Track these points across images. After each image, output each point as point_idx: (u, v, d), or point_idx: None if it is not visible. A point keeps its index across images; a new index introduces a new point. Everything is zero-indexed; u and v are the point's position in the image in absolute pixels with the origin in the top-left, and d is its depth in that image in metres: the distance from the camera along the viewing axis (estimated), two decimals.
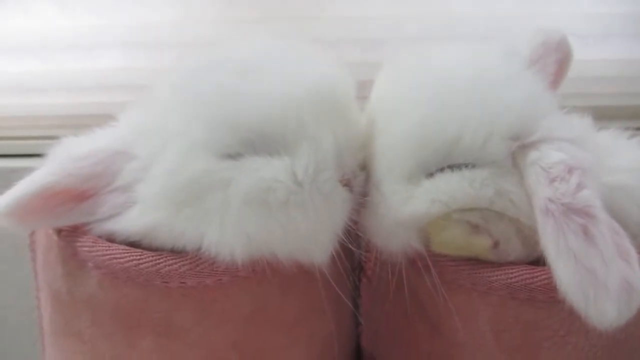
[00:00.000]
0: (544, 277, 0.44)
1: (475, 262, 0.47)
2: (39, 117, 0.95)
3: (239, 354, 0.49)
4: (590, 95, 0.91)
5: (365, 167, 0.51)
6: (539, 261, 0.45)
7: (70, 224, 0.48)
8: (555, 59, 0.56)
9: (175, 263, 0.45)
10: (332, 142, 0.47)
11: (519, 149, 0.46)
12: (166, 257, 0.45)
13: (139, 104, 0.53)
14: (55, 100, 0.94)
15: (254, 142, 0.46)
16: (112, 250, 0.46)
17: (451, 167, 0.47)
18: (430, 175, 0.47)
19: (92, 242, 0.47)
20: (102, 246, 0.46)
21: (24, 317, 0.96)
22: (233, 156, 0.46)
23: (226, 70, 0.49)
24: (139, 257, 0.45)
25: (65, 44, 0.91)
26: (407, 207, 0.47)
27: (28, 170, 0.46)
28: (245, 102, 0.46)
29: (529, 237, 0.46)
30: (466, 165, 0.47)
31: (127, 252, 0.46)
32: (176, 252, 0.46)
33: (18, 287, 0.94)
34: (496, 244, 0.46)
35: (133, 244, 0.47)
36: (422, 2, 0.88)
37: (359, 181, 0.50)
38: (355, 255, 0.53)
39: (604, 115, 0.53)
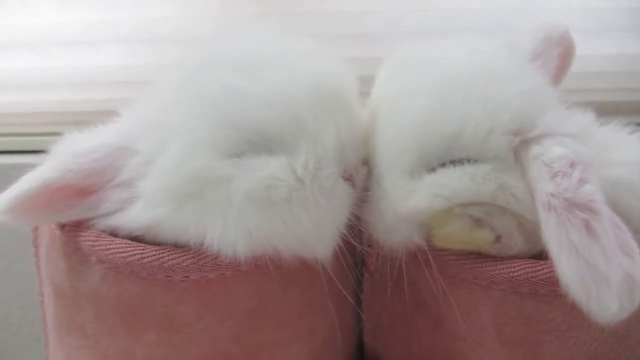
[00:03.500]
0: (546, 271, 0.45)
1: (478, 256, 0.47)
2: (41, 114, 0.96)
3: (242, 348, 0.49)
4: (591, 91, 0.91)
5: (367, 162, 0.51)
6: (541, 255, 0.44)
7: (74, 219, 0.48)
8: (557, 54, 0.56)
9: (179, 257, 0.45)
10: (334, 137, 0.47)
11: (521, 143, 0.46)
12: (169, 251, 0.45)
13: (142, 99, 0.53)
14: (57, 96, 0.94)
15: (255, 142, 0.46)
16: (115, 244, 0.46)
17: (453, 161, 0.47)
18: (432, 170, 0.47)
19: (95, 237, 0.47)
20: (105, 240, 0.46)
21: (26, 313, 0.96)
22: (235, 155, 0.45)
23: (227, 68, 0.48)
24: (142, 252, 0.45)
25: (65, 40, 0.91)
26: (409, 201, 0.47)
27: (30, 167, 0.46)
28: (245, 102, 0.46)
29: (531, 231, 0.46)
30: (468, 160, 0.47)
31: (130, 247, 0.46)
32: (179, 247, 0.46)
33: (19, 283, 0.94)
34: (498, 238, 0.47)
35: (136, 239, 0.47)
36: None
37: (361, 176, 0.50)
38: (357, 250, 0.53)
39: (605, 111, 0.53)
